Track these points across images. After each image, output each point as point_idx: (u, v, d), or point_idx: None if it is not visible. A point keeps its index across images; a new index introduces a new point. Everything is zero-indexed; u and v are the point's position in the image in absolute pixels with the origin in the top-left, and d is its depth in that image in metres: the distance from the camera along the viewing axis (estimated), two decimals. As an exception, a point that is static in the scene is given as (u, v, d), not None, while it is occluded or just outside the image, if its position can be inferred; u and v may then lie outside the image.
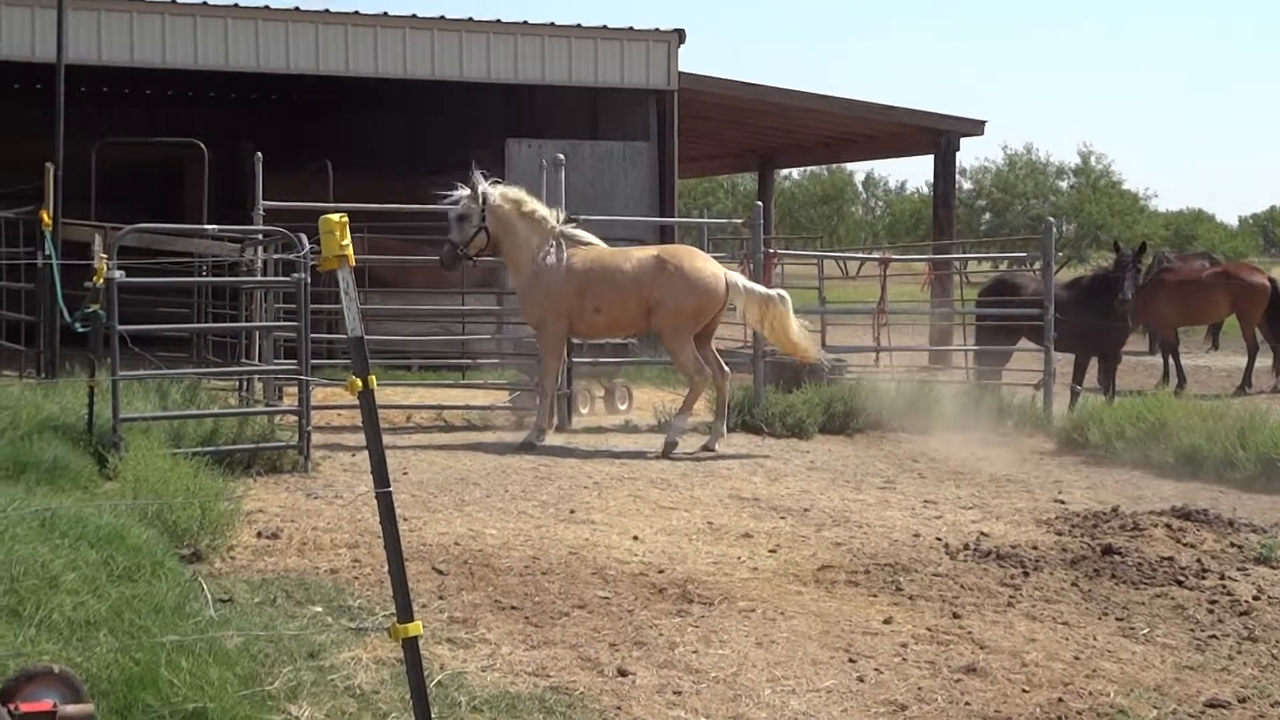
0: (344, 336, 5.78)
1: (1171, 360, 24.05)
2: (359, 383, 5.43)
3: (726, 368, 15.27)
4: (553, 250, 14.99)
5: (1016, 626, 8.21)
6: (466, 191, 15.05)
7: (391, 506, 5.55)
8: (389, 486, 5.49)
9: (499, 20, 24.54)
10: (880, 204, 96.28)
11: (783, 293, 15.23)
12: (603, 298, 14.91)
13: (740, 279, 15.21)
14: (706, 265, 15.08)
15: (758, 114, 31.06)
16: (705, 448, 14.74)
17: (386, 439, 14.89)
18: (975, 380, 19.30)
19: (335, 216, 5.51)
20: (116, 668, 6.15)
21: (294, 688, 6.53)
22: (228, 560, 9.23)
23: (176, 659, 6.26)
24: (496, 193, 15.05)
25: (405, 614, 5.41)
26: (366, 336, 17.19)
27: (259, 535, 9.93)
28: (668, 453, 14.38)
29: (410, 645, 5.43)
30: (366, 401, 5.45)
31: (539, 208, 15.20)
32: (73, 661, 6.07)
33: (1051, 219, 21.13)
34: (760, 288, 15.26)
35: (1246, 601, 8.89)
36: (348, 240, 5.49)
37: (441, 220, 16.00)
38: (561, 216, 15.32)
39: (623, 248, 15.54)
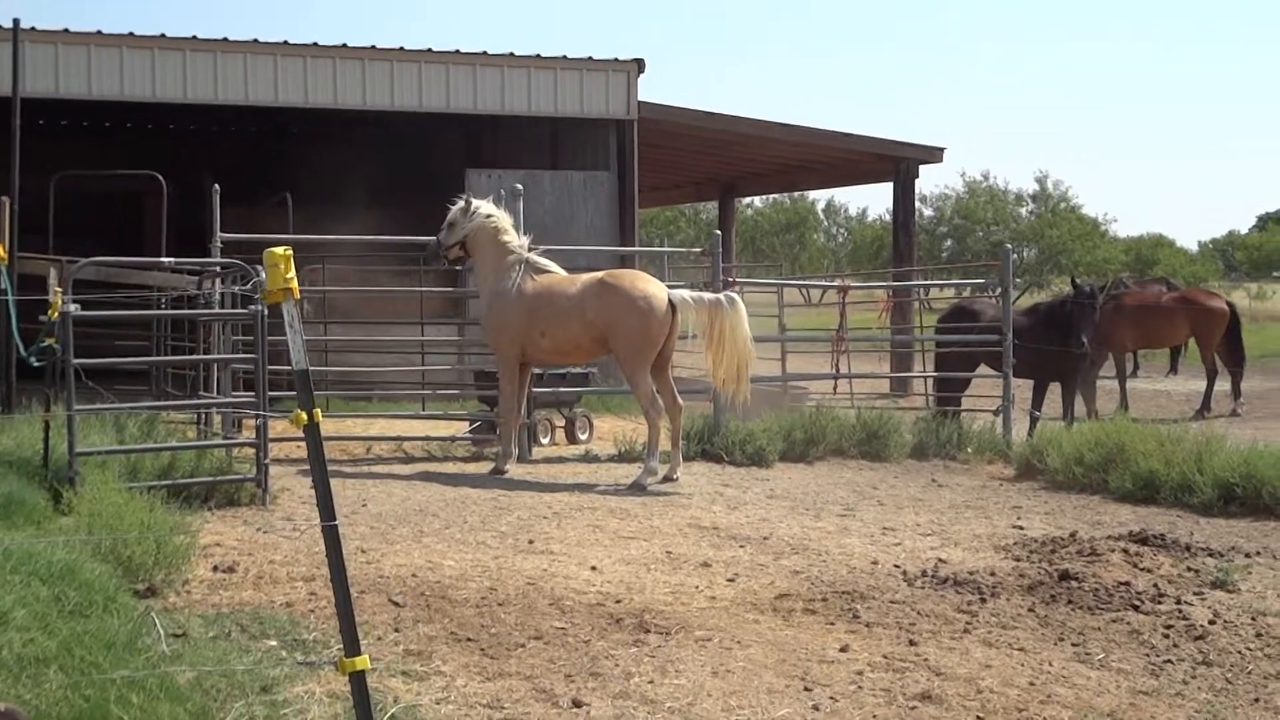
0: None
1: (1119, 383, 24.21)
2: (304, 416, 5.41)
3: (680, 399, 15.29)
4: (513, 276, 15.21)
5: (972, 653, 8.21)
6: (462, 203, 15.66)
7: (338, 540, 5.52)
8: (335, 520, 5.47)
9: (458, 50, 24.52)
10: (843, 231, 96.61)
11: (732, 295, 15.27)
12: (548, 322, 15.11)
13: (684, 293, 15.28)
14: (648, 285, 15.17)
15: (717, 143, 31.12)
16: (665, 478, 14.73)
17: (347, 470, 14.99)
18: (935, 407, 19.34)
19: (279, 250, 5.51)
20: (66, 705, 6.12)
21: (246, 723, 6.49)
22: (183, 594, 9.18)
23: (127, 695, 6.23)
24: (481, 213, 15.54)
25: (352, 647, 5.39)
26: (327, 368, 17.11)
27: (215, 569, 9.89)
28: (635, 492, 14.31)
29: (357, 679, 5.41)
30: (312, 435, 5.44)
31: (511, 237, 15.52)
32: (22, 699, 6.04)
33: (1009, 245, 21.22)
34: (708, 295, 15.31)
35: (1202, 626, 8.92)
36: (292, 273, 5.48)
37: (401, 251, 16.24)
38: (526, 244, 15.52)
39: (575, 275, 15.61)
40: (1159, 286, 28.57)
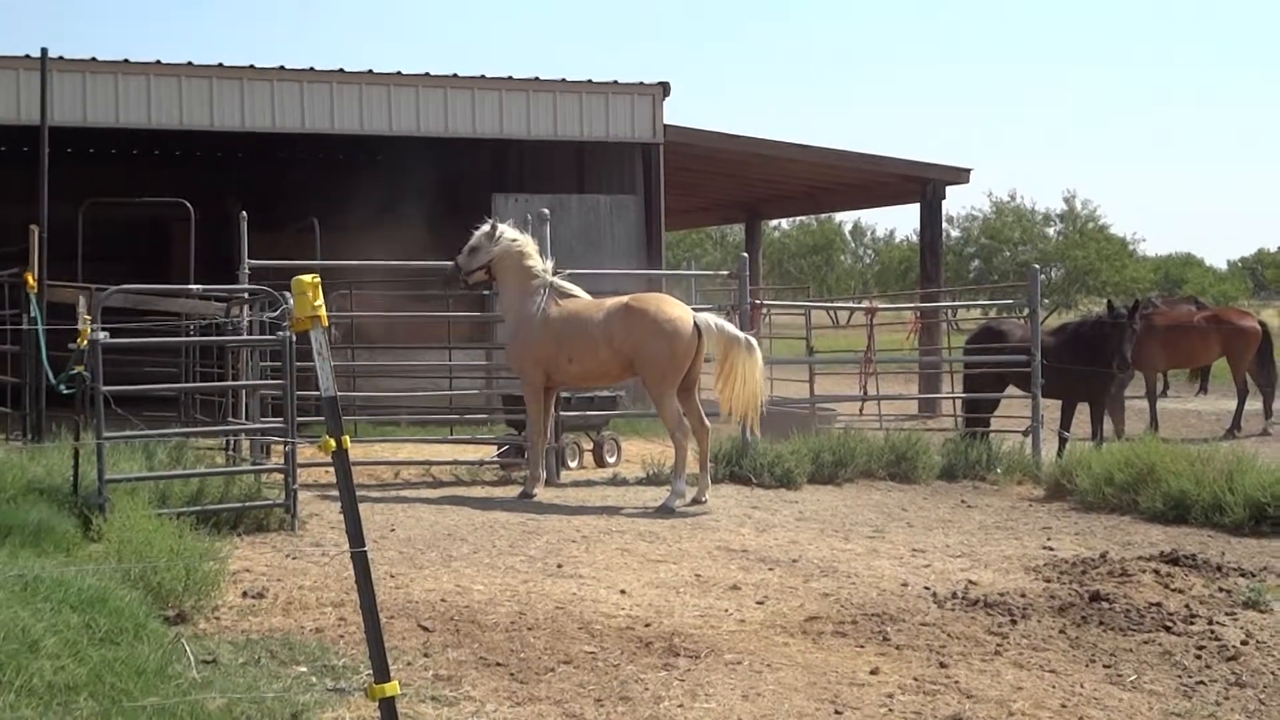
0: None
1: (1149, 403, 24.06)
2: (332, 442, 5.42)
3: (707, 421, 15.27)
4: (537, 301, 15.24)
5: (1003, 675, 8.18)
6: (487, 227, 15.64)
7: (367, 566, 5.52)
8: (364, 546, 5.47)
9: (483, 76, 24.60)
10: (870, 253, 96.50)
11: (751, 340, 15.25)
12: (574, 348, 15.13)
13: (711, 319, 15.26)
14: (673, 309, 15.18)
15: (743, 165, 31.14)
16: (693, 500, 14.72)
17: (375, 494, 14.99)
18: (963, 428, 19.27)
19: (307, 277, 5.52)
20: (96, 732, 6.12)
21: (276, 749, 6.49)
22: (212, 621, 9.20)
23: (157, 722, 6.23)
24: (507, 238, 15.56)
25: (381, 674, 5.39)
26: (355, 393, 17.09)
27: (244, 595, 9.90)
28: (663, 514, 14.31)
29: (387, 705, 5.41)
30: (340, 461, 5.44)
31: (536, 261, 15.54)
32: (52, 726, 6.04)
33: (1036, 265, 21.15)
34: (731, 329, 15.27)
35: (1234, 647, 8.87)
36: (320, 300, 5.49)
37: (428, 276, 16.30)
38: (551, 268, 15.56)
39: (600, 299, 15.62)
40: (1188, 306, 28.46)
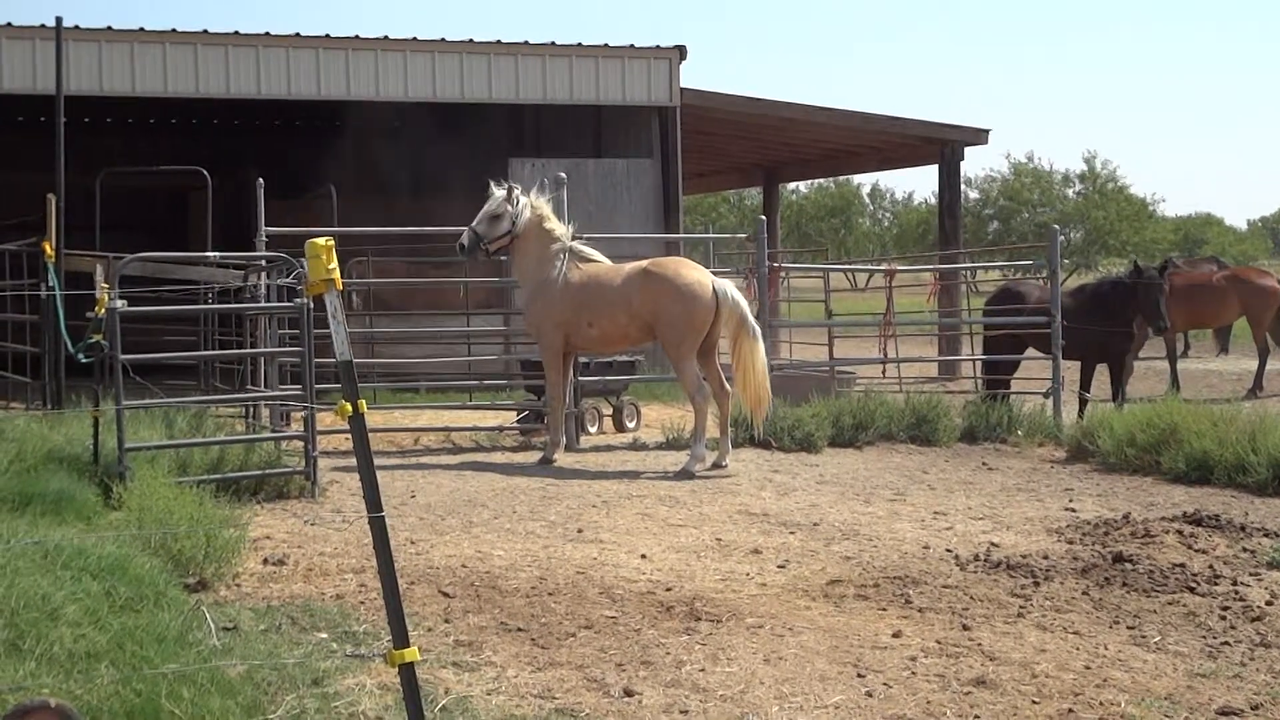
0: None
1: (1170, 364, 23.93)
2: (349, 407, 5.38)
3: (728, 385, 15.21)
4: (557, 265, 15.16)
5: (1027, 637, 8.14)
6: (502, 192, 15.49)
7: (385, 532, 5.49)
8: (382, 511, 5.43)
9: (499, 41, 24.51)
10: (888, 215, 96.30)
11: (757, 329, 15.16)
12: (595, 312, 15.11)
13: (730, 287, 15.20)
14: (692, 273, 15.15)
15: (761, 128, 30.99)
16: (714, 464, 14.69)
17: (395, 461, 14.99)
18: (983, 390, 19.20)
19: (321, 240, 5.47)
20: (117, 700, 6.11)
21: (297, 715, 6.48)
22: (233, 588, 9.20)
23: (178, 689, 6.22)
24: (528, 203, 15.46)
25: (401, 640, 5.36)
26: (374, 360, 17.10)
27: (265, 562, 9.91)
28: (684, 479, 14.27)
29: (406, 671, 5.38)
30: (357, 426, 5.40)
31: (556, 225, 15.47)
32: (72, 694, 6.03)
33: (1055, 226, 21.03)
34: (744, 308, 15.13)
35: (1259, 607, 8.81)
36: (334, 264, 5.45)
37: (445, 242, 16.24)
38: (570, 233, 15.49)
39: (619, 264, 15.56)
40: (1210, 265, 28.30)
